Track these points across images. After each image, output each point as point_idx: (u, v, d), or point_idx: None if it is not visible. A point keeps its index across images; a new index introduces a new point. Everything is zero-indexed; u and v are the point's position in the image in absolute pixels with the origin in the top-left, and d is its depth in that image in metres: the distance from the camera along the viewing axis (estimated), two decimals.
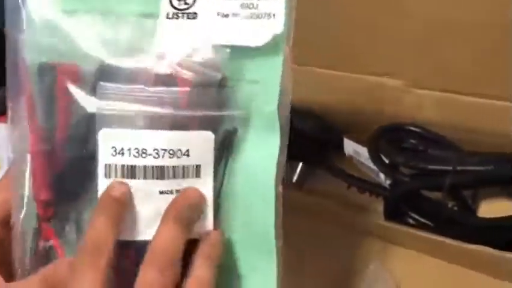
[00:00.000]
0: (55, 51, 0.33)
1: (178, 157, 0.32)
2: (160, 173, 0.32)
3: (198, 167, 0.33)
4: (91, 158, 0.33)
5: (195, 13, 0.33)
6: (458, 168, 0.47)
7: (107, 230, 0.31)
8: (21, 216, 0.34)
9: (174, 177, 0.33)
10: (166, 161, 0.32)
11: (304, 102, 0.51)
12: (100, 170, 0.33)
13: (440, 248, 0.47)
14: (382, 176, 0.52)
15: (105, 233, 0.31)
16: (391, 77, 0.50)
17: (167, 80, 0.33)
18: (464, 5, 0.44)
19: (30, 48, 0.34)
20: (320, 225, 0.53)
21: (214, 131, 0.33)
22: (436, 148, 0.50)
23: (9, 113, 0.34)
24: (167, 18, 0.33)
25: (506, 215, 0.46)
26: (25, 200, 0.34)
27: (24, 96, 0.34)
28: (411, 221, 0.51)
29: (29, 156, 0.34)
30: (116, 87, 0.33)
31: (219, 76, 0.33)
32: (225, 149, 0.34)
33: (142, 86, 0.33)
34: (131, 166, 0.32)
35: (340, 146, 0.55)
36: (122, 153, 0.32)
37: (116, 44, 0.34)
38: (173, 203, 0.32)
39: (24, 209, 0.34)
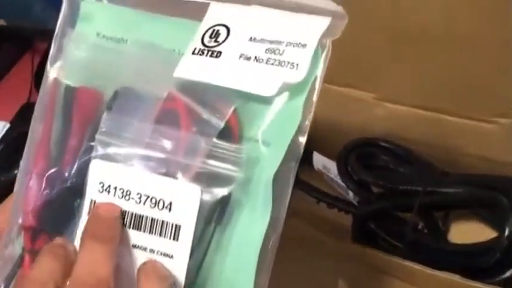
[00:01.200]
0: (86, 74, 0.32)
1: (159, 209, 0.29)
2: (137, 222, 0.29)
3: (177, 227, 0.29)
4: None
5: (220, 52, 0.30)
6: (429, 189, 0.45)
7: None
8: (9, 239, 0.32)
9: (150, 231, 0.29)
10: (146, 210, 0.29)
11: None
12: (85, 205, 0.30)
13: (409, 272, 0.45)
14: (351, 193, 0.49)
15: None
16: (362, 89, 0.48)
17: (171, 117, 0.30)
18: (454, 17, 0.42)
19: (66, 69, 0.33)
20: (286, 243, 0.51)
21: (206, 189, 0.29)
22: (407, 166, 0.48)
23: (29, 132, 0.33)
24: (193, 53, 0.31)
25: (478, 240, 0.44)
26: (18, 224, 0.32)
27: (44, 117, 0.33)
28: (380, 241, 0.48)
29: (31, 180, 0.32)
30: (118, 119, 0.31)
31: (221, 125, 0.29)
32: (215, 214, 0.29)
33: (143, 124, 0.30)
34: None
35: (309, 160, 0.53)
36: (108, 191, 0.30)
37: (144, 74, 0.32)
38: (87, 222, 0.30)
39: (13, 233, 0.32)
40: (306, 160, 0.53)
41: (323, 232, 0.50)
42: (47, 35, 0.35)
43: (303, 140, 0.29)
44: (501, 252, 0.41)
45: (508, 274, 0.42)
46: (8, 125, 0.71)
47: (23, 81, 0.73)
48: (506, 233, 0.41)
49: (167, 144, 0.29)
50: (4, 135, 0.67)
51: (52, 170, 0.32)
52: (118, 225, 0.29)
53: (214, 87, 0.30)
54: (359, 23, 0.43)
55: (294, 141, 0.29)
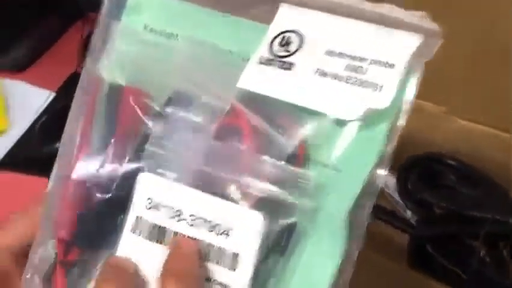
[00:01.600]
0: (132, 71, 0.29)
1: (216, 234, 0.26)
2: None
3: (235, 256, 0.26)
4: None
5: (291, 64, 0.27)
6: (497, 217, 0.41)
7: None
8: (39, 252, 0.29)
9: (206, 258, 0.26)
10: (201, 234, 0.26)
11: None
12: (129, 221, 0.27)
13: None
14: (409, 212, 0.46)
15: None
16: (433, 102, 0.45)
17: (232, 133, 0.27)
18: None
19: (109, 64, 0.30)
20: None
21: (268, 217, 0.26)
22: (472, 187, 0.44)
23: (65, 132, 0.30)
24: (260, 62, 0.28)
25: None
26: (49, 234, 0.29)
27: (84, 116, 0.30)
28: (436, 266, 0.45)
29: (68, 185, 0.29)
30: (171, 130, 0.28)
31: (288, 148, 0.26)
32: (278, 244, 0.26)
33: (200, 138, 0.27)
34: (161, 228, 0.27)
35: None
36: (157, 209, 0.27)
37: (197, 75, 0.29)
38: (169, 260, 0.26)
39: (45, 244, 0.29)
40: None
41: (375, 249, 0.47)
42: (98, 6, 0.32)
43: (383, 172, 0.26)
44: None
45: None
46: (53, 95, 0.70)
47: (71, 51, 0.71)
48: None
49: (227, 163, 0.26)
50: (48, 106, 0.66)
51: (91, 178, 0.28)
52: (199, 260, 0.26)
53: (283, 103, 0.27)
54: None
55: (372, 173, 0.26)
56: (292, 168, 0.26)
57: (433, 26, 0.26)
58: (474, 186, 0.45)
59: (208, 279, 0.26)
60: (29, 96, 0.69)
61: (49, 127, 0.64)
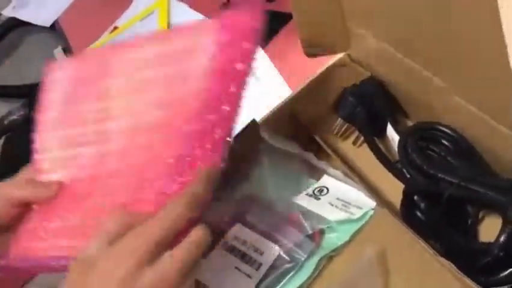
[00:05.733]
0: None
1: (256, 252, 0.54)
2: (241, 254, 0.54)
3: (260, 264, 0.53)
4: None
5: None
6: (462, 183, 0.48)
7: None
8: None
9: (247, 262, 0.54)
10: (249, 251, 0.54)
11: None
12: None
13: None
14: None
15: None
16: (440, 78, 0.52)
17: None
18: None
19: None
20: None
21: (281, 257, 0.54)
22: (458, 158, 0.51)
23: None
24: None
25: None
26: None
27: None
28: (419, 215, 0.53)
29: None
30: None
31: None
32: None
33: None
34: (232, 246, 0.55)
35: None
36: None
37: None
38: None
39: None
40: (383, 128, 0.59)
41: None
42: None
43: None
44: (492, 257, 0.45)
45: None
46: None
47: None
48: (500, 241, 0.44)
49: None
50: None
51: None
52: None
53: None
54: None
55: None
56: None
57: None
58: (462, 157, 0.52)
59: (239, 269, 0.53)
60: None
61: None
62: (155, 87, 0.48)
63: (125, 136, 0.48)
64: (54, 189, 0.49)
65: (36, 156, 0.52)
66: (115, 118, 0.50)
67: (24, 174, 0.52)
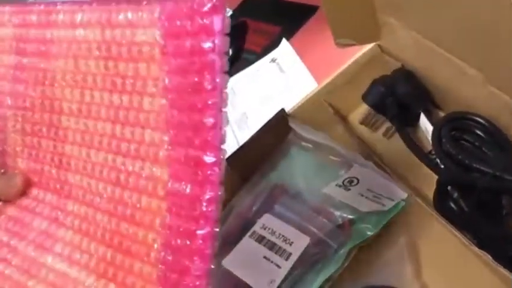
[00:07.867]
0: None
1: (285, 243, 0.53)
2: (271, 245, 0.53)
3: (290, 254, 0.52)
4: None
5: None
6: (497, 173, 0.48)
7: None
8: None
9: (276, 252, 0.53)
10: (279, 242, 0.53)
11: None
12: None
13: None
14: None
15: None
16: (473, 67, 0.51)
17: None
18: None
19: None
20: None
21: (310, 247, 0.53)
22: (492, 148, 0.51)
23: None
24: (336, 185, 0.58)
25: None
26: None
27: None
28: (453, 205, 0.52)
29: None
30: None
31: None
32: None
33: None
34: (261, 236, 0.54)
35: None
36: (264, 229, 0.55)
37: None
38: None
39: None
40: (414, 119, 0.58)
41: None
42: None
43: None
44: None
45: None
46: (230, 12, 0.80)
47: None
48: None
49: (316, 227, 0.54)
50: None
51: None
52: None
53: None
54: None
55: None
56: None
57: None
58: (497, 148, 0.51)
59: (268, 259, 0.52)
60: None
61: None
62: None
63: None
64: None
65: None
66: None
67: None
